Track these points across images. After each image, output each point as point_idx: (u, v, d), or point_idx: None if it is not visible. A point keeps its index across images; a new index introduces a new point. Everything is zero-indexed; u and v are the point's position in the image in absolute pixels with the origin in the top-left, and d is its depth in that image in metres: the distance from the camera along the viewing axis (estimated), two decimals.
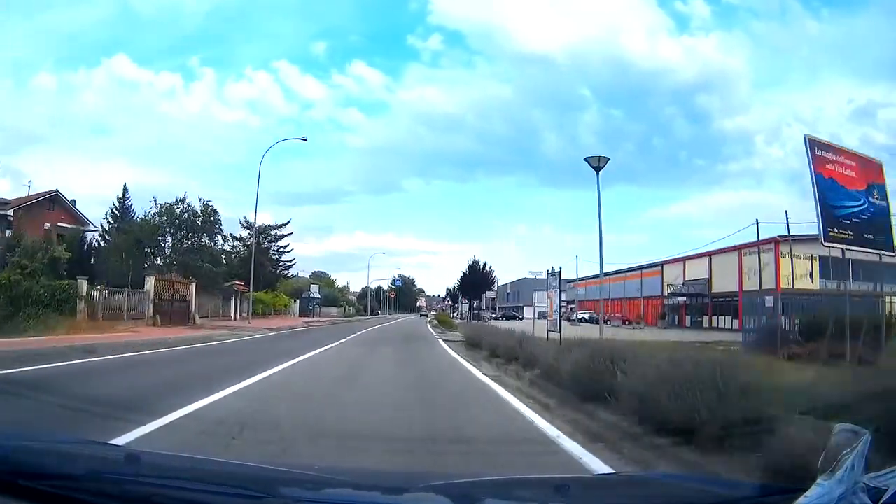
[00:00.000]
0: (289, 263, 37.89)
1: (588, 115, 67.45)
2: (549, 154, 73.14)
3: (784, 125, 58.24)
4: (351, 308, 59.69)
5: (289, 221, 36.82)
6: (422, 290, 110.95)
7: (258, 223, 34.10)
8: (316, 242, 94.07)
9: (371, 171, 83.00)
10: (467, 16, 75.22)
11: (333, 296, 57.06)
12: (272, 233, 35.93)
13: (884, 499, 0.80)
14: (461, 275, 33.33)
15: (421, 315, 74.55)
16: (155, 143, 55.82)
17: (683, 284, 33.03)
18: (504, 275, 56.44)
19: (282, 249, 36.69)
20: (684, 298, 33.00)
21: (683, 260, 34.51)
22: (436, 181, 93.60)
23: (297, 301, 39.16)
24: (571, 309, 55.27)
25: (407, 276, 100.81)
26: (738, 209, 63.63)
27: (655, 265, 38.46)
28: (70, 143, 48.93)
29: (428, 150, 79.63)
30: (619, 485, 1.22)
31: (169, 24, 54.86)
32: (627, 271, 44.36)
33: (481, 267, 33.89)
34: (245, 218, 32.68)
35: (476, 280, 33.30)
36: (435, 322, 31.94)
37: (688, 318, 32.86)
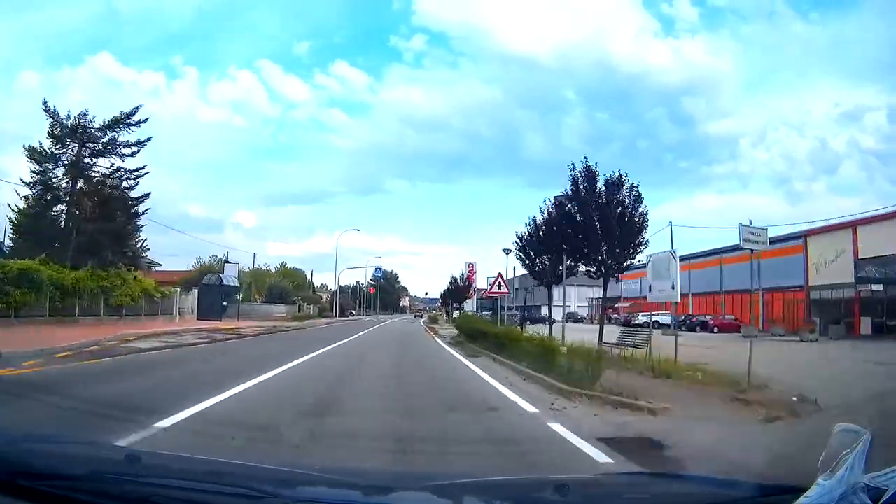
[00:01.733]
0: (137, 202, 26.02)
1: (573, 117, 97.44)
2: (534, 155, 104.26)
3: (770, 128, 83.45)
4: (311, 307, 60.44)
5: (137, 116, 24.93)
6: (405, 289, 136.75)
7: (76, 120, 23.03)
8: (297, 243, 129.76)
9: (355, 173, 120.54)
10: (451, 17, 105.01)
11: (281, 287, 57.84)
12: (98, 136, 24.40)
13: (884, 499, 1.21)
14: (531, 223, 18.27)
15: (416, 316, 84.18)
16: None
17: (857, 263, 27.70)
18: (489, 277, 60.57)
19: (126, 174, 25.33)
20: (879, 288, 27.55)
21: (851, 225, 28.85)
22: (420, 182, 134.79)
23: (197, 291, 34.09)
24: (614, 307, 56.11)
25: (390, 270, 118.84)
26: (723, 212, 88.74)
27: (792, 238, 33.08)
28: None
29: (412, 152, 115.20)
30: (619, 485, 1.72)
31: (152, 23, 77.19)
32: (719, 252, 42.16)
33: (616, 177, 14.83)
34: (45, 103, 23.87)
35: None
36: (454, 335, 23.57)
37: (864, 322, 28.30)
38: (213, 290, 35.14)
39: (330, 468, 1.94)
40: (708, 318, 38.08)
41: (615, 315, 51.61)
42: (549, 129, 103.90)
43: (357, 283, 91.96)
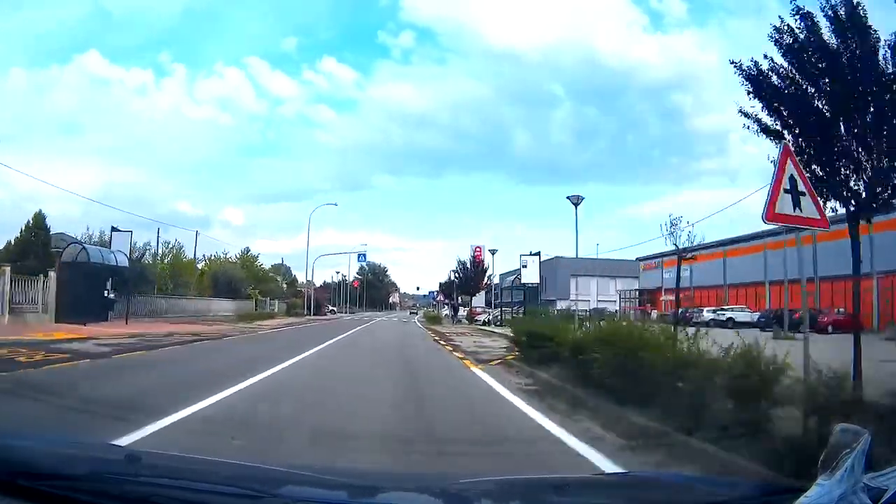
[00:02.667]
0: None
1: (560, 113, 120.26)
2: (521, 151, 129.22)
3: None
4: (275, 302, 59.40)
5: None
6: (395, 285, 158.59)
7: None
8: (287, 240, 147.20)
9: (342, 169, 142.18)
10: (439, 12, 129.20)
11: (230, 276, 52.35)
12: None
13: (884, 499, 1.52)
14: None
15: (410, 313, 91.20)
16: (125, 142, 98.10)
17: None
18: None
19: None
20: None
21: None
22: (407, 178, 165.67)
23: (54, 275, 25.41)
24: (658, 301, 54.93)
25: (378, 263, 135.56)
26: (713, 207, 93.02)
27: None
28: (41, 141, 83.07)
29: (399, 148, 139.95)
30: (619, 485, 2.07)
31: (140, 20, 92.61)
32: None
33: None
34: None
35: None
36: (498, 353, 17.15)
37: None
38: (85, 275, 26.17)
39: (330, 468, 2.30)
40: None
41: (656, 312, 50.74)
42: (536, 125, 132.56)
43: (342, 277, 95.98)
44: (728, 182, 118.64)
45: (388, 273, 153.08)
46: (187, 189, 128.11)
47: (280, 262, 79.41)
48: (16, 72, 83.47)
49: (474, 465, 5.63)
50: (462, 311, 60.32)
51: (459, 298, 63.51)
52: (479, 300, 63.12)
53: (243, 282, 53.22)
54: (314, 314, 58.34)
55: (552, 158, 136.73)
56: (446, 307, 70.66)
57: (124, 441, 5.88)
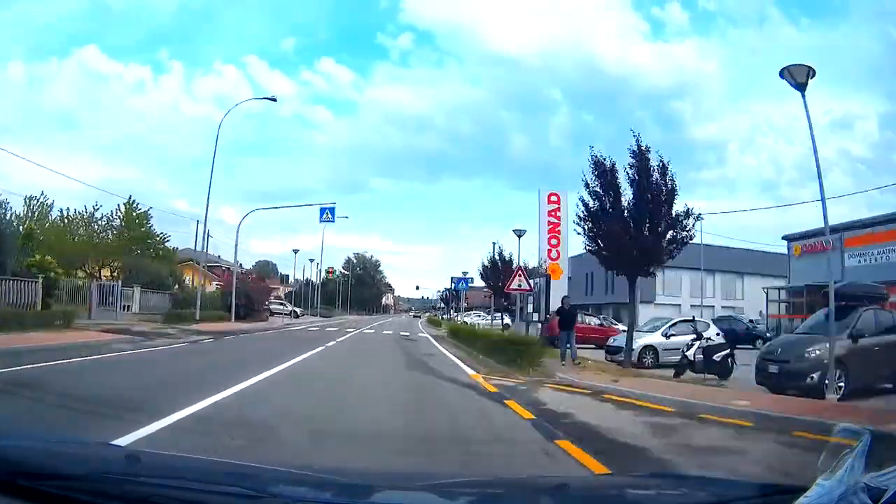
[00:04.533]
0: None
1: (558, 118, 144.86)
2: (518, 157, 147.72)
3: (758, 134, 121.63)
4: (132, 291, 41.44)
5: None
6: (389, 285, 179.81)
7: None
8: (281, 242, 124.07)
9: (339, 171, 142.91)
10: (439, 15, 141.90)
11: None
12: None
13: (884, 499, 1.93)
14: None
15: (414, 316, 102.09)
16: (123, 138, 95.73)
17: None
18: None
19: None
20: None
21: None
22: (404, 182, 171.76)
23: None
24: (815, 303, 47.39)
25: (370, 256, 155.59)
26: (711, 217, 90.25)
27: None
28: (39, 135, 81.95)
29: (396, 151, 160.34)
30: (619, 485, 2.62)
31: (140, 16, 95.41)
32: None
33: None
34: None
35: None
36: None
37: None
38: None
39: (330, 468, 2.84)
40: None
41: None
42: (534, 130, 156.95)
43: (316, 265, 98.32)
44: (726, 193, 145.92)
45: (380, 269, 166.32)
46: (184, 186, 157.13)
47: (258, 258, 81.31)
48: (14, 64, 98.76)
49: None
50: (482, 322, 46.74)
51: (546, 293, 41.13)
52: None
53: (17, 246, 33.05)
54: (240, 317, 45.54)
55: (549, 164, 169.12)
56: (509, 313, 48.65)
57: None
